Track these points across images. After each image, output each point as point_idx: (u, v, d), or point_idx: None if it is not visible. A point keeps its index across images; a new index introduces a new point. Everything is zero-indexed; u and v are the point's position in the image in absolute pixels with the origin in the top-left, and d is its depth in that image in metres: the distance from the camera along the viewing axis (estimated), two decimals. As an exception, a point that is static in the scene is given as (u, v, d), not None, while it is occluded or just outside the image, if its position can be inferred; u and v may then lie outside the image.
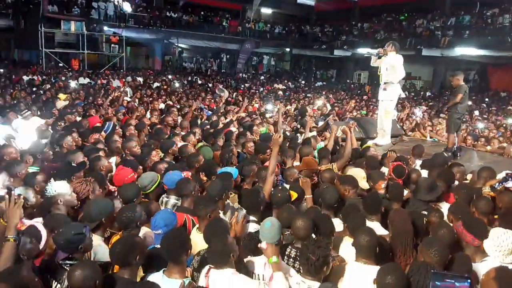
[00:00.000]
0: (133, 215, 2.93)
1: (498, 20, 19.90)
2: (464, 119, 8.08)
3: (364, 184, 4.32)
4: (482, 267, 2.72)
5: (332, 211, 3.67)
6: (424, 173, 4.87)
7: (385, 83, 7.42)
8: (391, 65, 7.22)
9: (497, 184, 4.10)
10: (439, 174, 4.55)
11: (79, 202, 3.12)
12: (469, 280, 2.04)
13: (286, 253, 2.92)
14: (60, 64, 20.06)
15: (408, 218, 3.11)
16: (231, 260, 2.51)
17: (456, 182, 4.71)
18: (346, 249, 3.03)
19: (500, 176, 4.32)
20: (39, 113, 7.59)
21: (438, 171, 4.68)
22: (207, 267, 2.57)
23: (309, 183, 3.84)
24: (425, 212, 3.61)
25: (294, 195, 3.65)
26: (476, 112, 14.36)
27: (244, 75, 26.45)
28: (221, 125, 7.40)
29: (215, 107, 11.03)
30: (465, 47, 19.93)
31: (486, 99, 17.59)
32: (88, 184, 3.25)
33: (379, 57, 7.42)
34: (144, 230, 3.12)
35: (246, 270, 2.69)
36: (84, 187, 3.20)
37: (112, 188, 4.00)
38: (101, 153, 4.62)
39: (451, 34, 21.11)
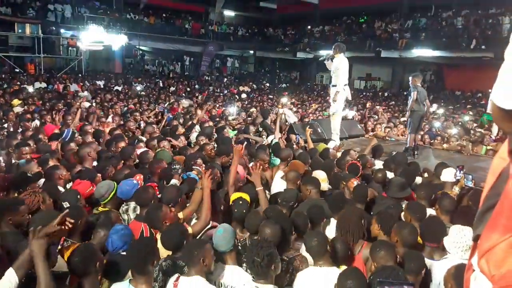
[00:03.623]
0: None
1: (452, 22, 20.75)
2: (425, 118, 8.36)
3: (323, 186, 4.39)
4: (442, 264, 2.81)
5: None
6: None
7: (333, 85, 7.62)
8: (336, 68, 7.42)
9: (468, 182, 4.24)
10: (400, 173, 4.71)
11: (29, 215, 2.99)
12: (411, 287, 2.10)
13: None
14: (17, 70, 19.21)
15: (353, 213, 3.21)
16: (201, 268, 2.47)
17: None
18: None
19: (450, 175, 4.50)
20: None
21: (399, 170, 4.86)
22: (176, 275, 2.52)
23: (259, 175, 3.89)
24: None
25: (247, 197, 3.66)
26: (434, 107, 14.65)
27: (208, 78, 26.29)
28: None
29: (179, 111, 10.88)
30: (422, 48, 20.64)
31: (442, 101, 18.21)
32: (37, 195, 3.12)
33: (332, 59, 7.61)
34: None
35: (213, 279, 2.66)
36: (33, 199, 3.06)
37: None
38: (51, 162, 4.45)
39: (408, 36, 21.83)
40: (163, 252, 2.97)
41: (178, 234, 2.81)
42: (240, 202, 3.46)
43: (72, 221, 2.53)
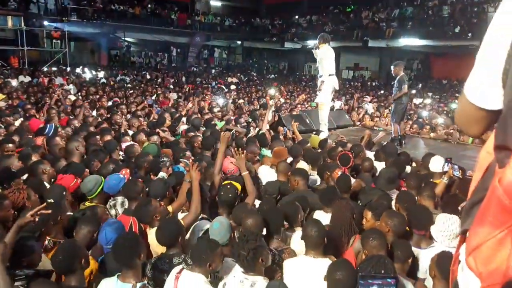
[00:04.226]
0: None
1: (439, 11, 20.84)
2: (407, 107, 8.40)
3: None
4: (429, 253, 2.84)
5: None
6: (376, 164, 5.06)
7: (319, 76, 7.68)
8: (321, 59, 7.45)
9: (455, 173, 4.25)
10: (391, 164, 4.74)
11: (15, 212, 2.94)
12: (394, 280, 2.13)
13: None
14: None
15: (346, 208, 3.19)
16: (206, 269, 2.45)
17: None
18: (298, 240, 3.06)
19: (439, 165, 4.51)
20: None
21: (390, 160, 4.88)
22: (179, 266, 2.50)
23: (243, 159, 3.92)
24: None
25: (237, 185, 3.66)
26: (416, 101, 14.75)
27: (195, 69, 26.08)
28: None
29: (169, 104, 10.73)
30: (409, 37, 20.74)
31: (430, 93, 18.24)
32: (21, 192, 3.07)
33: (317, 48, 7.64)
34: None
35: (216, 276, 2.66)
36: (18, 196, 3.01)
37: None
38: (34, 157, 4.37)
39: (395, 26, 21.89)
40: (155, 246, 2.96)
41: (174, 230, 2.77)
42: (228, 186, 3.46)
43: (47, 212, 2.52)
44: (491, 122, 0.94)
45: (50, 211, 2.64)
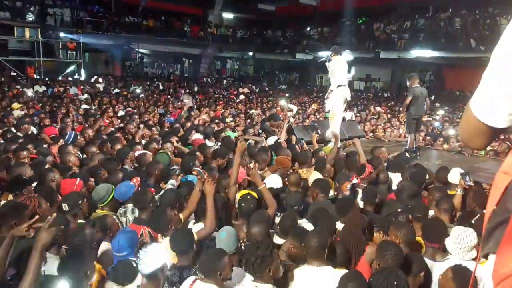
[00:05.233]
0: (84, 239, 2.82)
1: (450, 23, 20.74)
2: (422, 119, 8.22)
3: None
4: (443, 266, 2.79)
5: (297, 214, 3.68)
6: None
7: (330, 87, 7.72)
8: (331, 70, 7.49)
9: (468, 183, 4.16)
10: (411, 175, 4.67)
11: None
12: None
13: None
14: (13, 73, 19.20)
15: (357, 222, 3.16)
16: (217, 278, 2.43)
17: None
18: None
19: (456, 176, 4.43)
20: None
21: (408, 172, 4.80)
22: (192, 277, 2.50)
23: (257, 173, 3.89)
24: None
25: (254, 195, 3.64)
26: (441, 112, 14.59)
27: (207, 80, 26.28)
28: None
29: (181, 113, 10.78)
30: (421, 49, 20.61)
31: (437, 104, 17.94)
32: (32, 201, 3.09)
33: (330, 61, 7.66)
34: (104, 246, 3.02)
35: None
36: (29, 204, 3.04)
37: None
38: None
39: (407, 37, 21.80)
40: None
41: (187, 239, 2.79)
42: (248, 197, 3.45)
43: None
44: (495, 136, 0.92)
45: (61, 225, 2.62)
